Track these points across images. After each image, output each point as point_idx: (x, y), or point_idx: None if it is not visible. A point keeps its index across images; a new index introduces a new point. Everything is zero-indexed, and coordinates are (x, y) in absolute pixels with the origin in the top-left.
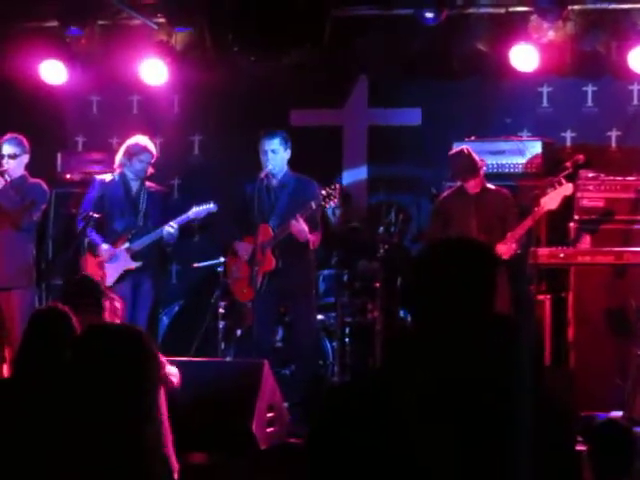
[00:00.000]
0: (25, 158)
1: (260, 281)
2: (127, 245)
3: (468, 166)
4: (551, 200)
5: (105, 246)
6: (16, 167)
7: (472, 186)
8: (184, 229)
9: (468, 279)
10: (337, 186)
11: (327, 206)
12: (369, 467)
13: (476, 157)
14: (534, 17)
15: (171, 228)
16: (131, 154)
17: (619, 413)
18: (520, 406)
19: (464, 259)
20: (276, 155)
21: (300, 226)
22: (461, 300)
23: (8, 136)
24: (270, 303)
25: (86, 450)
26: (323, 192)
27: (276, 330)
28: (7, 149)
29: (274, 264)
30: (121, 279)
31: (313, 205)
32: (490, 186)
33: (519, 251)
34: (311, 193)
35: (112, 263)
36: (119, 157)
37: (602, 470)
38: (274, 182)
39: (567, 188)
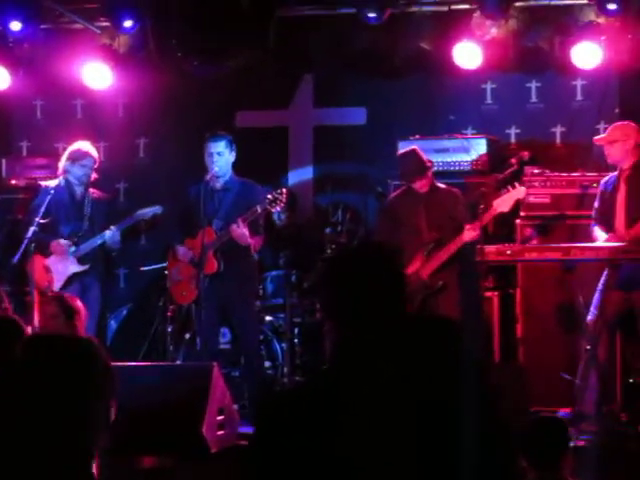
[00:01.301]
0: None
1: (200, 285)
2: (73, 249)
3: (416, 167)
4: (503, 203)
5: (60, 240)
6: None
7: (421, 186)
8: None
9: (378, 284)
10: (283, 190)
11: (273, 210)
12: (310, 473)
13: (424, 157)
14: (477, 14)
15: (110, 232)
16: (73, 159)
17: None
18: (462, 402)
19: (370, 265)
20: (221, 157)
21: (240, 230)
22: (377, 303)
23: None
24: (212, 305)
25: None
26: (269, 196)
27: (222, 332)
28: None
29: (216, 267)
30: (68, 283)
31: (258, 209)
32: (440, 185)
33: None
34: (255, 196)
35: (62, 262)
36: (62, 163)
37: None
38: (218, 185)
39: (520, 192)
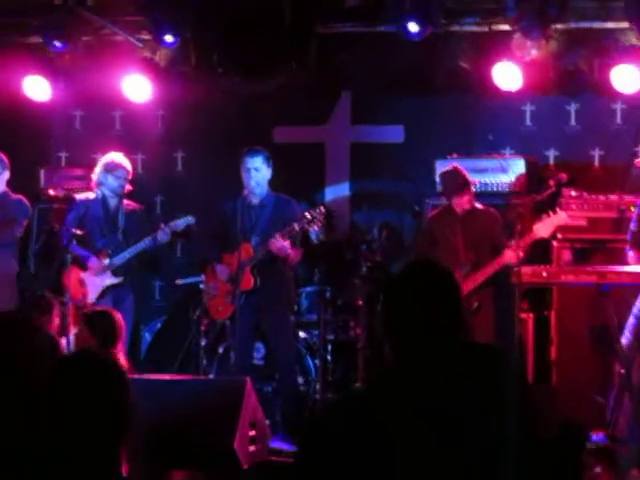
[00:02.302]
0: (6, 175)
1: (237, 300)
2: (107, 261)
3: (457, 184)
4: (544, 227)
5: (95, 259)
6: None
7: (461, 203)
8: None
9: (433, 306)
10: (322, 210)
11: (311, 229)
12: None
13: (466, 175)
14: (517, 35)
15: (162, 231)
16: (107, 171)
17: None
18: (506, 428)
19: (427, 286)
20: (258, 173)
21: (280, 243)
22: (429, 326)
23: None
24: (247, 321)
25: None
26: (308, 215)
27: (256, 347)
28: None
29: (252, 283)
30: (102, 296)
31: (296, 227)
32: (478, 205)
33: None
34: (291, 212)
35: (96, 275)
36: (95, 174)
37: None
38: (255, 201)
39: (561, 218)
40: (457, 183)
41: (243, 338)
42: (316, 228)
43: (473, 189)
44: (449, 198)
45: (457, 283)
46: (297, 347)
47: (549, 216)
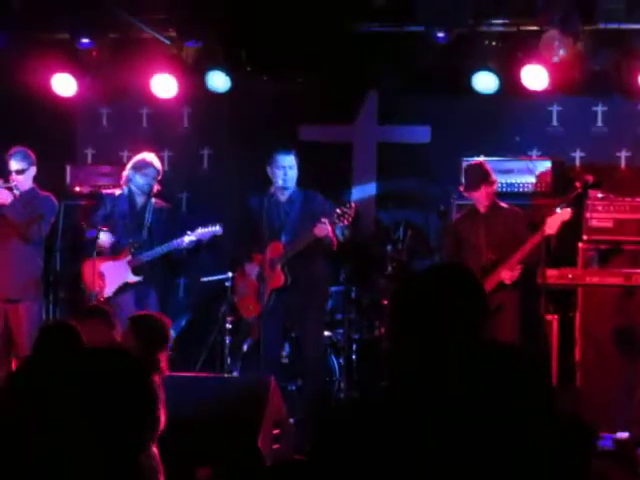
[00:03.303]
0: (32, 171)
1: (267, 297)
2: (129, 258)
3: (479, 177)
4: (550, 225)
5: (103, 235)
6: (24, 181)
7: (480, 198)
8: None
9: (456, 307)
10: (352, 205)
11: (339, 224)
12: None
13: (490, 171)
14: (545, 35)
15: (188, 237)
16: (136, 169)
17: (625, 434)
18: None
19: (448, 289)
20: (292, 171)
21: (327, 228)
22: (451, 329)
23: (14, 150)
24: (277, 319)
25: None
26: (338, 210)
27: (283, 345)
28: (14, 165)
29: (283, 280)
30: (121, 291)
31: (326, 223)
32: (502, 204)
33: (522, 271)
34: (319, 206)
35: (116, 270)
36: (125, 172)
37: None
38: (283, 198)
39: (565, 213)
40: (476, 176)
41: (271, 336)
42: (345, 223)
43: (494, 185)
44: (469, 192)
45: (481, 285)
46: (326, 347)
47: (554, 213)
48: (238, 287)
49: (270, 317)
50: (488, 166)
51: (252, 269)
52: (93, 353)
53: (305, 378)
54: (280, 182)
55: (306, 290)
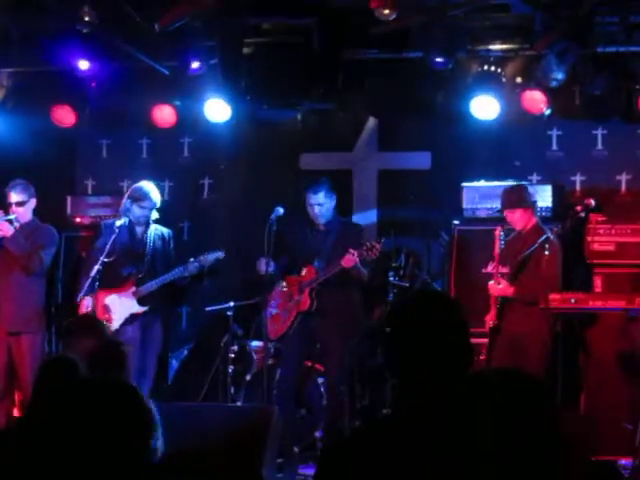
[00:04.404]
0: (32, 203)
1: (292, 320)
2: (134, 289)
3: (510, 199)
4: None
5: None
6: (24, 213)
7: (512, 220)
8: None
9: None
10: (381, 240)
11: (366, 257)
12: None
13: (526, 195)
14: (544, 60)
15: (192, 264)
16: (133, 199)
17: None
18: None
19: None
20: (322, 207)
21: (355, 258)
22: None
23: (13, 183)
24: (299, 343)
25: None
26: (367, 244)
27: (299, 370)
28: (14, 197)
29: (308, 304)
30: (128, 322)
31: (355, 255)
32: (540, 226)
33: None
34: (356, 236)
35: (121, 302)
36: (123, 201)
37: None
38: (321, 227)
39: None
40: (509, 199)
41: (290, 361)
42: (372, 256)
43: (531, 210)
44: (502, 210)
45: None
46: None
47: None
48: (269, 305)
49: (291, 341)
50: (526, 191)
51: (282, 290)
52: (87, 386)
53: (325, 410)
54: (313, 217)
55: (333, 318)
